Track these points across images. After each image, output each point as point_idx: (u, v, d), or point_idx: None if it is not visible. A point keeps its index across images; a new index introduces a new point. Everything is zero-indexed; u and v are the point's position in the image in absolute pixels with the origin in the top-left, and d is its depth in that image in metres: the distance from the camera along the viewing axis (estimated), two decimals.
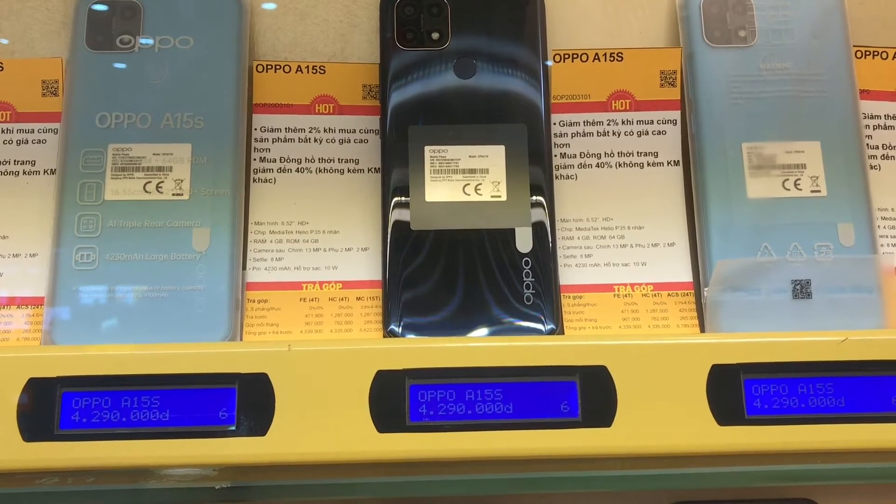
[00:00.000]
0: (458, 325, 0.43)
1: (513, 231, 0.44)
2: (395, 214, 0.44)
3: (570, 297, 0.45)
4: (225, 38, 0.46)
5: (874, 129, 0.48)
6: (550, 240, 0.44)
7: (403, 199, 0.44)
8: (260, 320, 0.44)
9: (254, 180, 0.46)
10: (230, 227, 0.44)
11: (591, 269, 0.46)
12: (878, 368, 0.41)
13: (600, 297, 0.45)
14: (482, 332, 0.43)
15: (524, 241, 0.44)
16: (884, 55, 0.48)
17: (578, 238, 0.46)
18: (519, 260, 0.44)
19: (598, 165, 0.47)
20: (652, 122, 0.47)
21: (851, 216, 0.45)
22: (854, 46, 0.48)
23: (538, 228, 0.44)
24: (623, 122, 0.47)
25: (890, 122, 0.48)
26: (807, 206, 0.45)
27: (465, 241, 0.44)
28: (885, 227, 0.46)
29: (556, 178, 0.46)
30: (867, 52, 0.48)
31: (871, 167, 0.47)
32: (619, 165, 0.47)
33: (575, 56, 0.47)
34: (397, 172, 0.45)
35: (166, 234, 0.43)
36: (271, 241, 0.45)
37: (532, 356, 0.40)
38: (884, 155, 0.48)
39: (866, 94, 0.48)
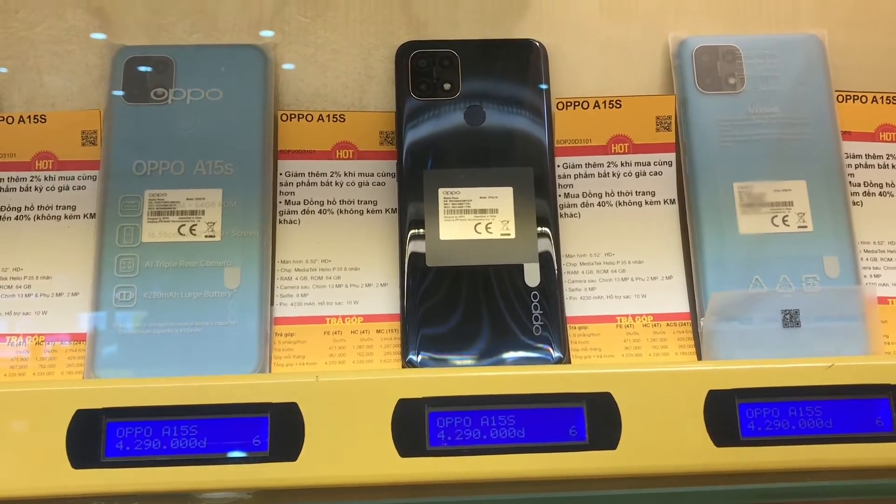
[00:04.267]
0: (472, 355, 0.46)
1: (521, 266, 0.48)
2: (412, 252, 0.47)
3: (575, 328, 0.48)
4: (252, 89, 0.50)
5: (856, 167, 0.51)
6: (557, 274, 0.48)
7: (419, 237, 0.48)
8: (287, 353, 0.47)
9: (280, 221, 0.49)
10: (259, 266, 0.47)
11: (595, 301, 0.49)
12: (863, 392, 0.44)
13: (604, 327, 0.48)
14: (495, 361, 0.46)
15: (532, 276, 0.48)
16: (863, 99, 0.52)
17: (582, 272, 0.49)
18: (528, 293, 0.47)
19: (599, 204, 0.50)
20: (649, 164, 0.51)
21: (836, 249, 0.49)
22: (836, 91, 0.51)
23: (545, 264, 0.48)
24: (622, 164, 0.51)
25: (870, 161, 0.51)
26: (794, 241, 0.49)
27: (477, 277, 0.47)
28: (867, 259, 0.50)
29: (561, 216, 0.50)
30: (848, 97, 0.52)
31: (854, 203, 0.50)
32: (619, 204, 0.50)
33: (577, 103, 0.51)
34: (413, 213, 0.48)
35: (200, 273, 0.47)
36: (297, 279, 0.48)
37: (542, 384, 0.43)
38: (865, 192, 0.51)
39: (848, 135, 0.51)
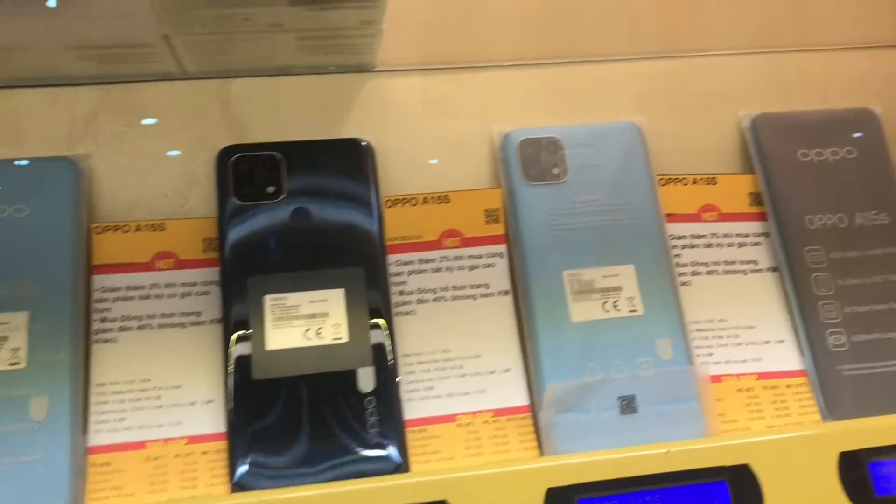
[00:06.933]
0: (306, 471, 0.44)
1: (354, 372, 0.46)
2: (237, 365, 0.45)
3: (414, 431, 0.46)
4: (60, 203, 0.47)
5: (682, 248, 0.53)
6: (393, 377, 0.46)
7: (245, 349, 0.45)
8: (103, 484, 0.43)
9: (95, 341, 0.46)
10: (69, 393, 0.44)
11: (434, 400, 0.47)
12: (701, 476, 0.44)
13: (443, 428, 0.47)
14: (330, 476, 0.44)
15: (366, 381, 0.46)
16: (684, 181, 0.54)
17: (420, 371, 0.48)
18: (362, 400, 0.45)
19: (434, 300, 0.49)
20: (481, 257, 0.50)
21: (668, 331, 0.49)
22: (657, 175, 0.53)
23: (380, 367, 0.46)
24: (455, 258, 0.50)
25: (695, 241, 0.53)
26: (626, 326, 0.49)
27: (308, 386, 0.45)
28: (700, 339, 0.50)
29: (396, 314, 0.49)
30: (669, 180, 0.53)
31: (683, 283, 0.51)
32: (454, 298, 0.50)
33: (405, 200, 0.50)
34: (238, 323, 0.46)
35: (2, 404, 0.43)
36: (113, 402, 0.45)
37: (376, 498, 0.41)
38: (693, 271, 0.52)
39: (672, 216, 0.53)
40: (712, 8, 0.57)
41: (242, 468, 0.43)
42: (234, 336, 0.46)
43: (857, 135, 0.55)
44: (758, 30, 0.57)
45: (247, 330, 0.46)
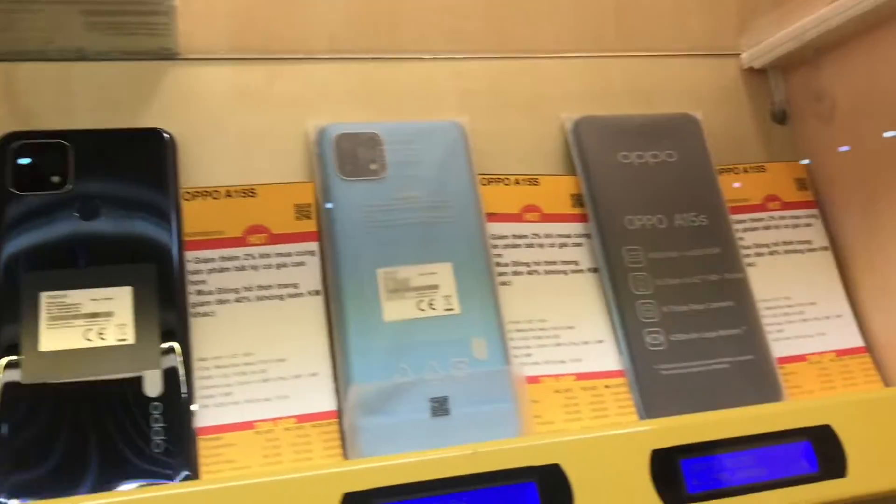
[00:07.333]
0: (79, 487, 0.39)
1: (140, 376, 0.42)
2: (5, 369, 0.40)
3: (207, 440, 0.43)
4: None
5: (504, 248, 0.51)
6: (184, 381, 0.43)
7: (14, 351, 0.41)
8: None
9: None
10: None
11: (231, 407, 0.44)
12: (509, 477, 0.42)
13: (240, 436, 0.43)
14: (111, 488, 0.40)
15: (153, 386, 0.42)
16: (506, 181, 0.53)
17: (217, 376, 0.44)
18: (147, 406, 0.42)
19: (237, 300, 0.46)
20: (290, 255, 0.48)
21: (484, 331, 0.47)
22: (479, 175, 0.51)
23: (169, 371, 0.42)
24: (261, 256, 0.47)
25: (517, 241, 0.51)
26: (442, 325, 0.47)
27: (86, 392, 0.41)
28: (519, 339, 0.49)
29: (194, 315, 0.45)
30: (491, 180, 0.52)
31: (503, 283, 0.50)
32: (259, 299, 0.46)
33: (206, 193, 0.47)
34: (7, 323, 0.41)
35: None
36: None
37: None
38: (514, 271, 0.51)
39: (494, 216, 0.51)
40: (536, 10, 0.57)
41: (5, 486, 0.39)
42: (3, 337, 0.41)
43: (677, 139, 0.56)
44: (581, 34, 0.58)
45: (17, 330, 0.41)
